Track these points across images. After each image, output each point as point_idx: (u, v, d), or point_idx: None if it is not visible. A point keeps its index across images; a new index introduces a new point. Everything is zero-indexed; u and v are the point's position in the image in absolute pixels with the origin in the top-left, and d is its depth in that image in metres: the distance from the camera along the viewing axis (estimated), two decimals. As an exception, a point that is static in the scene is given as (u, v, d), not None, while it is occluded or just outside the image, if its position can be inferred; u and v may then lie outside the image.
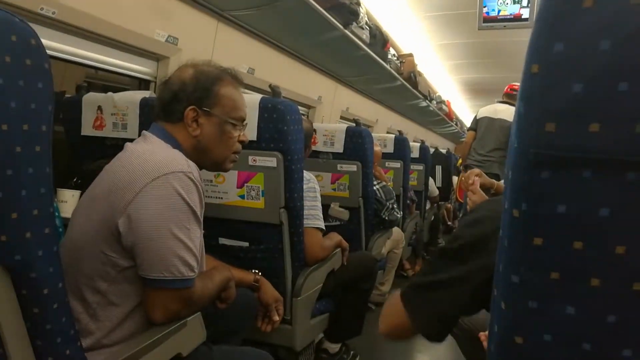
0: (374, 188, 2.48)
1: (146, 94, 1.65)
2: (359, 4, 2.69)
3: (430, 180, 4.22)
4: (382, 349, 2.35)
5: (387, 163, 3.19)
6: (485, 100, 4.99)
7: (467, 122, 6.24)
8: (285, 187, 1.51)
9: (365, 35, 2.92)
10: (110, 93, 1.67)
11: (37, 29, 0.70)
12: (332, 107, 3.80)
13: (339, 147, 2.29)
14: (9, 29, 0.65)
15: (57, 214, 1.09)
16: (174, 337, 0.93)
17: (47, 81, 0.71)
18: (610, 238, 0.45)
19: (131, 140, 1.06)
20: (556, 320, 0.49)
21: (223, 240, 1.61)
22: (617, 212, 0.44)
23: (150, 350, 0.88)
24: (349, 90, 4.05)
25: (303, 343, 1.70)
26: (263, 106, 1.48)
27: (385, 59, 3.44)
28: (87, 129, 1.68)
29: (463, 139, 5.92)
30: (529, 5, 2.93)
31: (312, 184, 1.68)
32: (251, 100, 1.47)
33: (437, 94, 5.94)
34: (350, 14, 2.57)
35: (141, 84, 2.08)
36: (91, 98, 1.67)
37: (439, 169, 4.78)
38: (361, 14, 2.75)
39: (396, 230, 2.90)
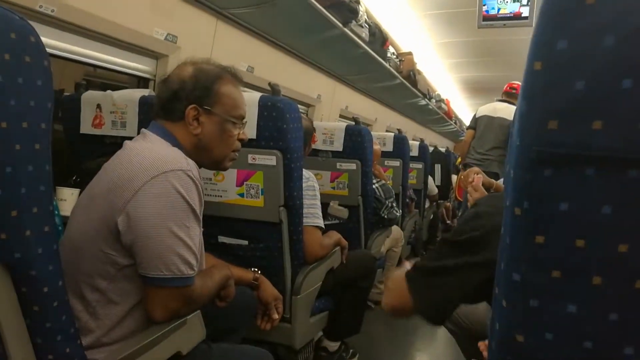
0: (373, 186, 2.48)
1: (145, 92, 1.65)
2: (358, 2, 2.68)
3: (430, 178, 4.22)
4: (381, 347, 2.36)
5: (386, 161, 3.19)
6: (485, 99, 4.99)
7: (467, 120, 6.25)
8: (284, 185, 1.50)
9: (365, 33, 2.92)
10: (109, 91, 1.67)
11: (36, 26, 0.69)
12: (331, 105, 3.79)
13: (338, 146, 2.29)
14: (8, 27, 0.65)
15: (56, 212, 1.08)
16: (173, 335, 0.93)
17: (47, 78, 0.70)
18: (612, 236, 0.45)
19: (130, 138, 1.06)
20: (557, 318, 0.49)
21: (222, 239, 1.61)
22: (619, 210, 0.44)
23: (150, 348, 0.88)
24: (349, 89, 4.04)
25: (302, 341, 1.70)
26: (262, 104, 1.48)
27: (384, 57, 3.43)
28: (86, 127, 1.68)
29: (462, 138, 5.92)
30: (529, 3, 2.93)
31: (312, 182, 1.68)
32: (250, 99, 1.47)
33: (436, 93, 5.93)
34: (350, 12, 2.57)
35: (140, 82, 2.08)
36: (90, 96, 1.67)
37: (438, 168, 4.78)
38: (360, 12, 2.74)
39: (395, 228, 2.90)
